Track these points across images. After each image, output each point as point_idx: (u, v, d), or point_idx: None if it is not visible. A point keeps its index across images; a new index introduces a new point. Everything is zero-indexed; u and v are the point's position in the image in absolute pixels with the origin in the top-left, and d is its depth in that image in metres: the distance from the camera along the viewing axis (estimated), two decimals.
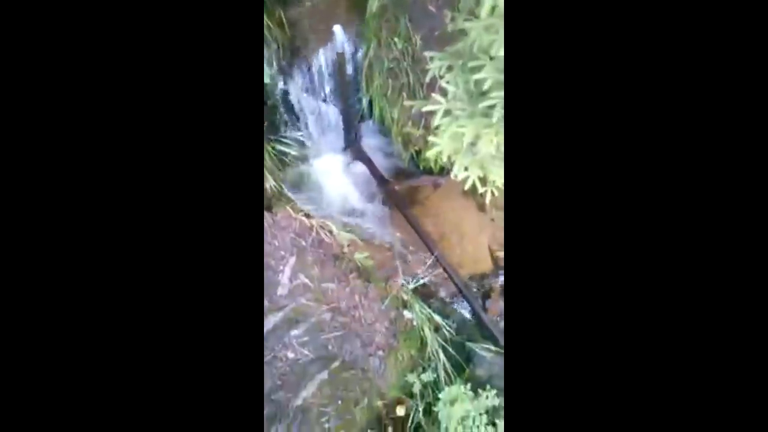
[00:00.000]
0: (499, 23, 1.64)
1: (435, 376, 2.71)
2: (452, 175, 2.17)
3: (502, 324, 3.27)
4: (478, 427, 2.38)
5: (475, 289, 3.45)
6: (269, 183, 3.13)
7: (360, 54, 3.43)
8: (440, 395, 2.51)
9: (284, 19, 3.25)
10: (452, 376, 2.77)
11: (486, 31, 1.72)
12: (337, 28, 3.31)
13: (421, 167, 3.81)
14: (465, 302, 3.40)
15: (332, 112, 3.70)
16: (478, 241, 3.62)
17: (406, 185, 3.84)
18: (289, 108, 3.57)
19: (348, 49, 3.40)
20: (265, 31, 3.11)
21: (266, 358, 2.63)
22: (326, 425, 2.53)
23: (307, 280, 2.86)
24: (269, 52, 3.19)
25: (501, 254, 3.54)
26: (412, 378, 2.68)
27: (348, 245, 3.07)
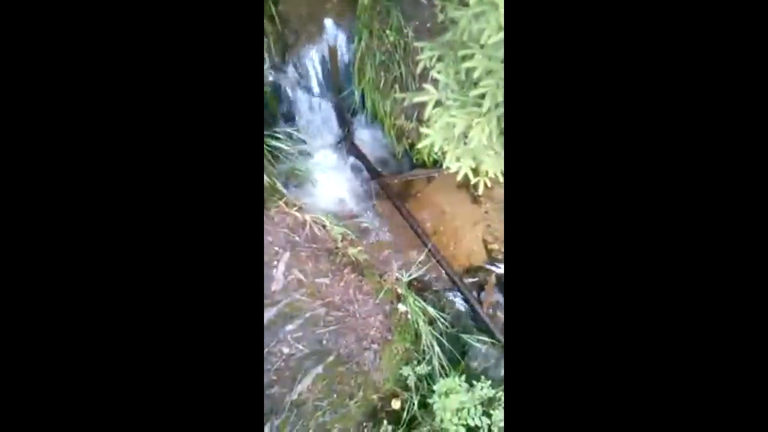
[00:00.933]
0: (489, 10, 1.63)
1: (430, 368, 2.71)
2: (444, 166, 2.17)
3: (496, 316, 3.27)
4: (473, 418, 2.38)
5: (469, 282, 3.45)
6: None
7: (352, 47, 3.41)
8: (435, 387, 2.51)
9: (275, 14, 3.23)
10: (447, 369, 2.78)
11: (476, 19, 1.71)
12: (329, 22, 3.30)
13: (415, 160, 3.80)
14: (459, 295, 3.40)
15: (324, 106, 3.69)
16: (471, 233, 3.62)
17: (399, 179, 3.83)
18: (282, 103, 3.55)
19: (340, 42, 3.39)
20: None
21: None
22: (322, 419, 2.53)
23: (301, 275, 2.85)
24: None
25: (495, 247, 3.55)
26: (407, 371, 2.68)
27: (342, 240, 3.06)
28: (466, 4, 1.79)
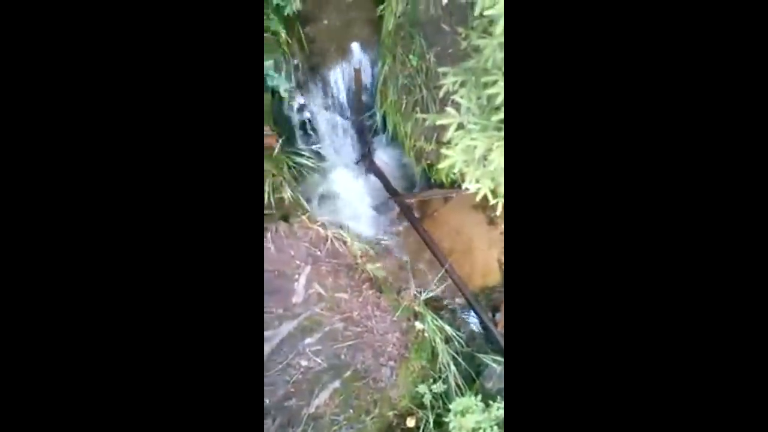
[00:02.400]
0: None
1: (446, 387, 2.72)
2: (464, 187, 2.22)
3: None
4: None
5: (484, 302, 3.47)
6: (287, 193, 3.21)
7: (375, 70, 3.53)
8: (451, 406, 2.52)
9: (302, 36, 3.36)
10: (463, 388, 2.79)
11: (500, 48, 1.78)
12: (355, 45, 3.42)
13: (433, 181, 3.86)
14: (474, 314, 3.42)
15: (347, 126, 3.80)
16: (487, 254, 3.65)
17: (417, 198, 3.89)
18: (306, 122, 3.67)
19: (364, 65, 3.50)
20: (284, 47, 3.22)
21: (280, 366, 2.67)
22: None
23: (321, 290, 2.90)
24: (288, 68, 3.30)
25: None
26: (423, 389, 2.69)
27: (361, 256, 3.12)
28: (489, 33, 1.87)
